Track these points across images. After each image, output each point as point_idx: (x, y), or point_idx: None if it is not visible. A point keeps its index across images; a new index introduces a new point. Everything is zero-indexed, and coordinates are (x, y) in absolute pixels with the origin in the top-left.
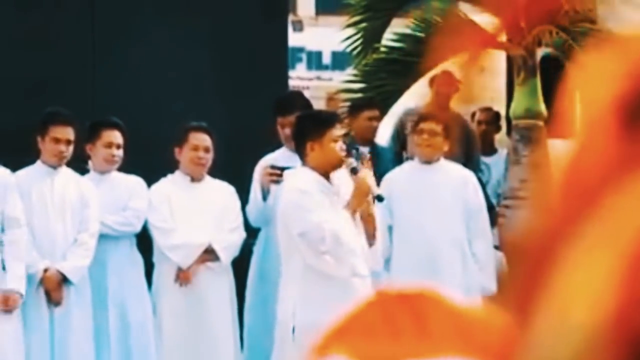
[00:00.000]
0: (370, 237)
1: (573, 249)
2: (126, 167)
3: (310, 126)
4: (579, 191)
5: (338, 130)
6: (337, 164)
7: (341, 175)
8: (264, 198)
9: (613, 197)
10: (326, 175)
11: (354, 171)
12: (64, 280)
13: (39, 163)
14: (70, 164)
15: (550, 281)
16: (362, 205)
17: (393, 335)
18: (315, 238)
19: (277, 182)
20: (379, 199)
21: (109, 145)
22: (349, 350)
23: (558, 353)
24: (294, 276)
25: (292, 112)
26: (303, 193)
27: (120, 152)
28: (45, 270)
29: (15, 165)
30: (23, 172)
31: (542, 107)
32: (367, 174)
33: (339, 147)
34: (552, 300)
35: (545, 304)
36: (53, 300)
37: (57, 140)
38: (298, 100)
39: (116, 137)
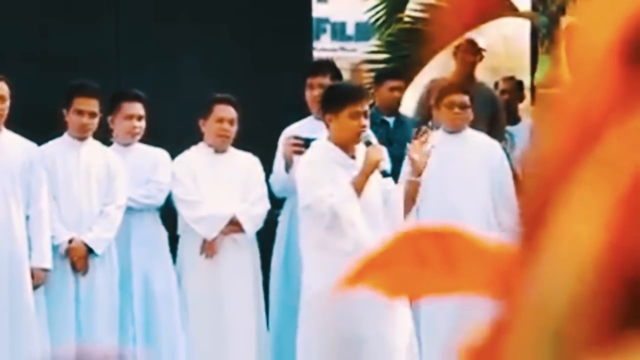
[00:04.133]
0: (407, 211)
1: (574, 187)
2: (149, 139)
3: (329, 99)
4: (581, 129)
5: (359, 106)
6: (353, 139)
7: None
8: (287, 169)
9: (613, 135)
10: (347, 149)
11: (368, 145)
12: (89, 251)
13: (65, 136)
14: (96, 137)
15: (553, 218)
16: (367, 179)
17: (421, 269)
18: (317, 212)
19: (299, 152)
20: (384, 174)
21: (130, 117)
22: (376, 283)
23: (560, 288)
24: (309, 247)
25: (322, 74)
26: (311, 166)
27: (141, 124)
28: (70, 242)
29: (42, 139)
30: (50, 145)
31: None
32: (378, 147)
33: (360, 122)
34: (554, 237)
35: (547, 240)
36: (78, 269)
37: (79, 112)
38: (329, 65)
39: (137, 108)
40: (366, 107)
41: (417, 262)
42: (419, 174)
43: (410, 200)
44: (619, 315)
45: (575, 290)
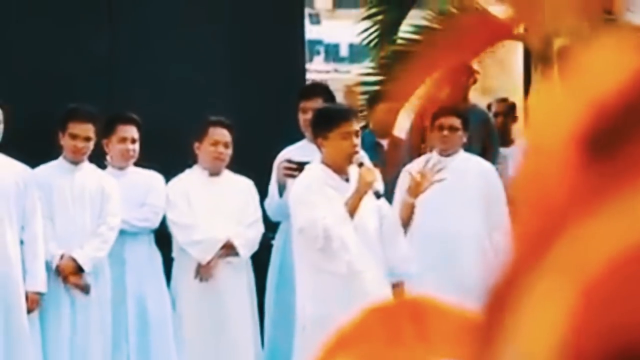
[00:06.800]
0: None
1: (535, 279)
2: (144, 162)
3: (318, 122)
4: (543, 219)
5: (348, 127)
6: (345, 160)
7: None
8: (280, 193)
9: (574, 229)
10: (340, 171)
11: (360, 166)
12: (78, 268)
13: (60, 159)
14: (91, 160)
15: (513, 312)
16: (360, 201)
17: (394, 340)
18: (310, 234)
19: (292, 176)
20: (377, 195)
21: (124, 140)
22: (352, 359)
23: None
24: (303, 270)
25: (315, 97)
26: (305, 189)
27: (135, 147)
28: (61, 258)
29: (33, 160)
30: (45, 168)
31: None
32: (371, 168)
33: (351, 143)
34: (513, 332)
35: (507, 335)
36: (72, 285)
37: (74, 137)
38: (322, 88)
39: (131, 131)
40: (356, 127)
41: (390, 338)
42: (416, 196)
43: (404, 221)
44: None
45: None
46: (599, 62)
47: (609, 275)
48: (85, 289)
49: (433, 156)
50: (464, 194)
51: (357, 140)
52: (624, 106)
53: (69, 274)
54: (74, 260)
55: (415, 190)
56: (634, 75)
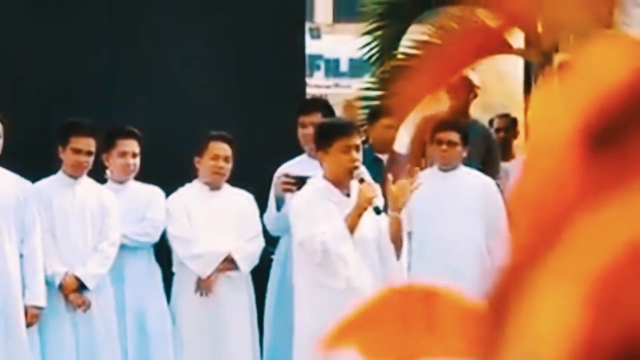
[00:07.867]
0: (397, 249)
1: (539, 278)
2: (143, 176)
3: (319, 136)
4: (543, 220)
5: (349, 140)
6: (346, 174)
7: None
8: (278, 207)
9: (578, 225)
10: (341, 185)
11: (361, 182)
12: (81, 286)
13: (60, 173)
14: (89, 174)
15: (518, 309)
16: (360, 216)
17: (404, 330)
18: (309, 249)
19: (290, 190)
20: (377, 211)
21: (124, 154)
22: (360, 344)
23: None
24: (302, 283)
25: (314, 112)
26: (305, 203)
27: (136, 161)
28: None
29: (31, 173)
30: (44, 182)
31: None
32: (371, 184)
33: (352, 157)
34: (520, 330)
35: (512, 333)
36: (73, 304)
37: (77, 151)
38: (321, 103)
39: (131, 145)
40: (357, 142)
41: (401, 323)
42: (399, 210)
43: (394, 237)
44: None
45: None
46: (598, 63)
47: (617, 270)
48: (86, 307)
49: (432, 171)
50: (464, 207)
51: (358, 155)
52: (624, 104)
53: (71, 292)
54: (77, 278)
55: (396, 204)
56: (632, 76)
